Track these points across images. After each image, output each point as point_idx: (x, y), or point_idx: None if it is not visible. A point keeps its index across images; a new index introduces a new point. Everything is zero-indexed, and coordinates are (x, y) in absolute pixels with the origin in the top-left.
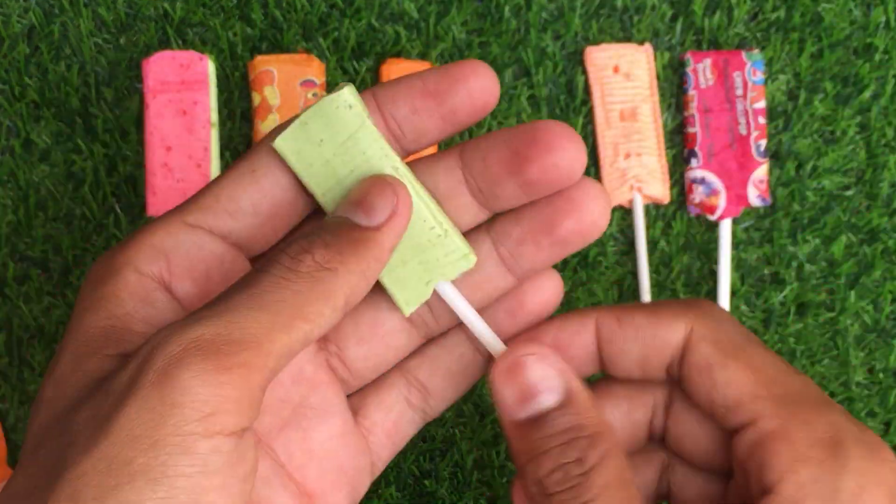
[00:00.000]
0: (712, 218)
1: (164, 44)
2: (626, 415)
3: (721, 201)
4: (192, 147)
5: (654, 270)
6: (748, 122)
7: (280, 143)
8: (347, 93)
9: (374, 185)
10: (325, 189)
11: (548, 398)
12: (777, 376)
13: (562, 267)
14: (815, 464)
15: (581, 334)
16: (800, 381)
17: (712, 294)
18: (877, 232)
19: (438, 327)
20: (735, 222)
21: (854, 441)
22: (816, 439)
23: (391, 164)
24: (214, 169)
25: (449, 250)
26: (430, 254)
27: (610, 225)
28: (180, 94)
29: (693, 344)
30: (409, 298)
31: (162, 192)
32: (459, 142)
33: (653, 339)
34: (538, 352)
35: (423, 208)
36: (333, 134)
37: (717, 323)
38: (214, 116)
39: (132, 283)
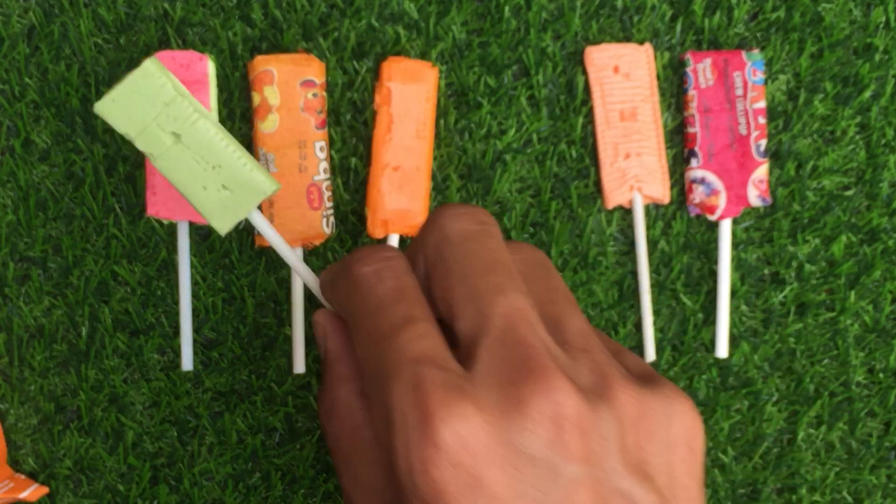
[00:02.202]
0: (712, 218)
1: (165, 44)
2: None
3: (721, 201)
4: None
5: (654, 270)
6: (748, 122)
7: (97, 107)
8: (150, 66)
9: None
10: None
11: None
12: (371, 350)
13: (562, 267)
14: (382, 452)
15: None
16: (382, 350)
17: (712, 294)
18: (877, 232)
19: None
20: (735, 222)
21: (401, 423)
22: (380, 424)
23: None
24: None
25: (250, 178)
26: (233, 180)
27: (610, 225)
28: None
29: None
30: (221, 223)
31: (162, 191)
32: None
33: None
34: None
35: (225, 139)
36: (149, 102)
37: (346, 293)
38: (214, 117)
39: None
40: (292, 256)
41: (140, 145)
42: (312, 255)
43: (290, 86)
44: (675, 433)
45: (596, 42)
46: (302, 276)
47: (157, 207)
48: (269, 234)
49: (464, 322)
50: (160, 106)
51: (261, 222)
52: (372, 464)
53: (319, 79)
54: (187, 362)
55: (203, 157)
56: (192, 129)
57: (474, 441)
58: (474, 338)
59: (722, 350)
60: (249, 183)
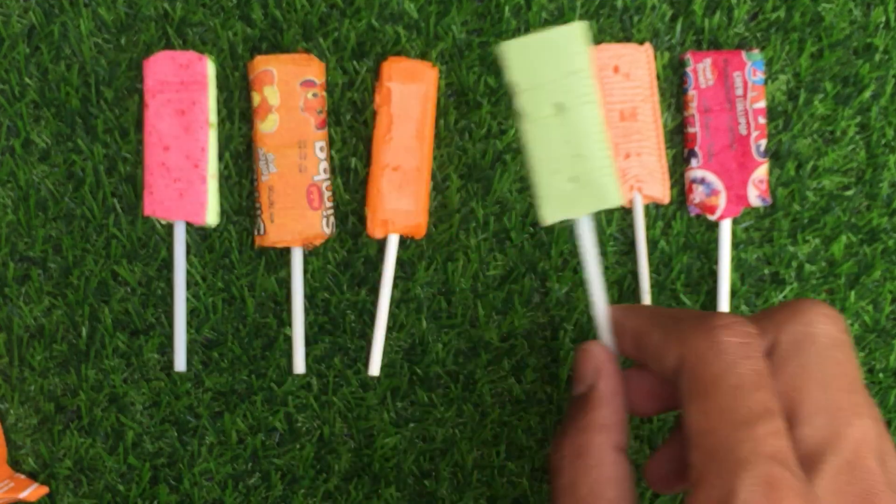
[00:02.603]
0: (712, 218)
1: (165, 44)
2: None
3: (721, 201)
4: (190, 147)
5: (654, 270)
6: (748, 122)
7: (505, 46)
8: (579, 29)
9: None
10: (530, 102)
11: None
12: (721, 427)
13: (561, 267)
14: None
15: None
16: (737, 435)
17: (712, 294)
18: (877, 232)
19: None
20: (735, 222)
21: None
22: (708, 499)
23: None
24: (212, 169)
25: (602, 182)
26: (585, 175)
27: (610, 225)
28: (179, 95)
29: (680, 374)
30: (550, 211)
31: (159, 191)
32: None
33: (658, 361)
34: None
35: (602, 134)
36: (557, 62)
37: (703, 353)
38: (213, 117)
39: None
40: (598, 279)
41: (521, 101)
42: (313, 255)
43: (290, 86)
44: None
45: (596, 42)
46: (597, 303)
47: (154, 207)
48: (589, 247)
49: (811, 430)
50: (563, 73)
51: (587, 230)
52: None
53: (319, 79)
54: (180, 363)
55: (571, 142)
56: (580, 109)
57: None
58: (821, 451)
59: None
60: (599, 187)
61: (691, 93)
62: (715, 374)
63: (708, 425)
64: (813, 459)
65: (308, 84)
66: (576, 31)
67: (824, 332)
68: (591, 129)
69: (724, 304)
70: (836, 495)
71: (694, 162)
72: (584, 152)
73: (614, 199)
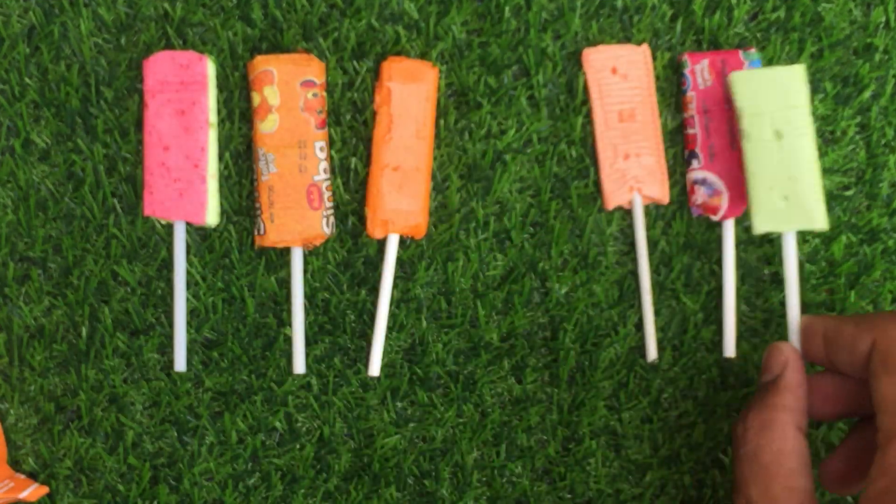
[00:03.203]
0: (715, 218)
1: (165, 44)
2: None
3: (724, 202)
4: (190, 147)
5: (655, 270)
6: None
7: (736, 75)
8: (801, 71)
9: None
10: (750, 125)
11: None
12: None
13: (561, 267)
14: (889, 479)
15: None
16: None
17: (712, 294)
18: (877, 232)
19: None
20: (736, 222)
21: None
22: None
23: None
24: (212, 169)
25: (811, 205)
26: (796, 196)
27: (610, 225)
28: (179, 95)
29: (872, 356)
30: (761, 222)
31: (159, 191)
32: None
33: (849, 349)
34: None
35: (815, 162)
36: (779, 96)
37: (892, 336)
38: (213, 117)
39: None
40: (795, 290)
41: (744, 122)
42: (313, 255)
43: (290, 86)
44: None
45: (596, 42)
46: (791, 310)
47: (154, 207)
48: (792, 259)
49: None
50: (786, 105)
51: (791, 244)
52: (790, 489)
53: (319, 79)
54: (180, 363)
55: (787, 165)
56: (797, 139)
57: None
58: None
59: (730, 350)
60: (808, 209)
61: (690, 94)
62: None
63: None
64: None
65: (308, 84)
66: (800, 73)
67: None
68: (806, 158)
69: (729, 304)
70: None
71: (695, 163)
72: (798, 176)
73: (821, 222)
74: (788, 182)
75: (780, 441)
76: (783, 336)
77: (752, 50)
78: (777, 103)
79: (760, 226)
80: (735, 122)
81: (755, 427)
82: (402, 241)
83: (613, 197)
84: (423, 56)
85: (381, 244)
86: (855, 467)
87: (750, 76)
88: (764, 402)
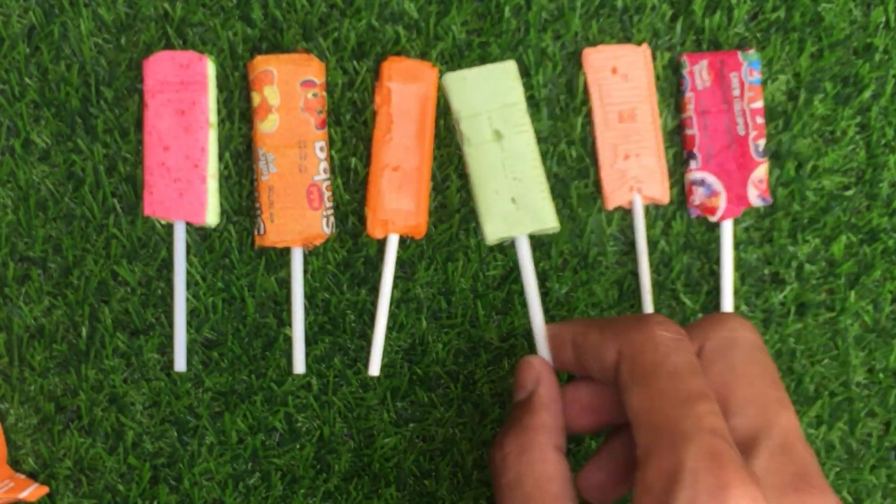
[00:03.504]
0: (713, 219)
1: (165, 44)
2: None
3: (721, 202)
4: (190, 147)
5: (654, 270)
6: (746, 123)
7: (449, 77)
8: (512, 67)
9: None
10: (468, 129)
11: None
12: (663, 406)
13: (562, 267)
14: (652, 498)
15: (566, 346)
16: (679, 413)
17: (712, 294)
18: (877, 232)
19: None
20: (735, 222)
21: (691, 481)
22: (660, 474)
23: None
24: (212, 169)
25: (539, 205)
26: (524, 198)
27: (610, 225)
28: (179, 95)
29: (619, 366)
30: (493, 230)
31: (159, 191)
32: None
33: (597, 358)
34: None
35: (537, 161)
36: (494, 95)
37: (640, 345)
38: (213, 117)
39: None
40: (535, 297)
41: (463, 126)
42: (312, 255)
43: (290, 86)
44: None
45: (596, 42)
46: (535, 320)
47: (154, 207)
48: (528, 265)
49: (743, 420)
50: (501, 103)
51: (525, 248)
52: None
53: (319, 79)
54: (180, 363)
55: (510, 166)
56: (517, 137)
57: None
58: (754, 437)
59: None
60: (537, 209)
61: (688, 95)
62: (652, 363)
63: (650, 405)
64: (747, 445)
65: (308, 84)
66: (511, 68)
67: (745, 337)
68: (527, 156)
69: (727, 304)
70: (773, 474)
71: (693, 164)
72: (522, 176)
73: (551, 222)
74: (514, 183)
75: (541, 465)
76: (783, 336)
77: (752, 50)
78: (493, 102)
79: (493, 234)
80: (454, 127)
81: (514, 452)
82: (402, 241)
83: (613, 197)
84: (423, 56)
85: (381, 244)
86: (614, 475)
87: (463, 76)
88: (521, 424)
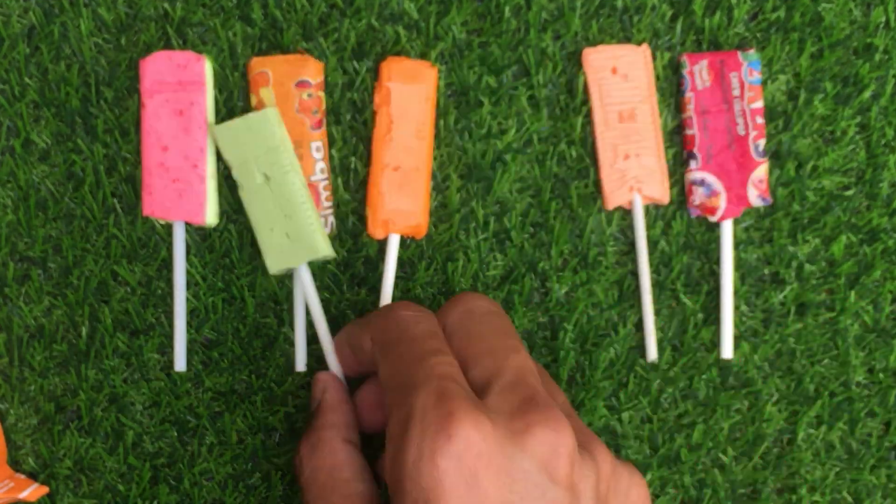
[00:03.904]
0: (713, 219)
1: (164, 44)
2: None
3: (721, 202)
4: (189, 148)
5: (654, 270)
6: (746, 123)
7: (217, 129)
8: (272, 114)
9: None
10: (244, 181)
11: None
12: (402, 367)
13: (562, 267)
14: (392, 445)
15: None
16: (415, 369)
17: (712, 294)
18: (877, 232)
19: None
20: (735, 222)
21: (420, 418)
22: (398, 421)
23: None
24: (211, 170)
25: (310, 237)
26: (296, 232)
27: (610, 225)
28: (177, 95)
29: (373, 350)
30: (273, 263)
31: (157, 191)
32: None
33: (361, 350)
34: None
35: (304, 197)
36: (258, 141)
37: (384, 326)
38: (211, 117)
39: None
40: (321, 318)
41: (235, 174)
42: None
43: (285, 87)
44: (632, 498)
45: (596, 42)
46: (322, 339)
47: (153, 208)
48: (311, 290)
49: (478, 371)
50: (265, 148)
51: (305, 276)
52: (347, 497)
53: (315, 79)
54: (180, 363)
55: (281, 205)
56: (283, 178)
57: (481, 444)
58: (488, 381)
59: (727, 351)
60: (309, 241)
61: (688, 95)
62: (394, 337)
63: (392, 370)
64: (483, 388)
65: (303, 85)
66: (269, 115)
67: (479, 305)
68: (294, 194)
69: (727, 304)
70: (504, 404)
71: (693, 164)
72: (293, 213)
73: (323, 251)
74: (286, 220)
75: (331, 457)
76: (783, 336)
77: (751, 51)
78: (258, 148)
79: (273, 266)
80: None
81: (307, 453)
82: (402, 241)
83: (613, 197)
84: (423, 56)
85: (382, 244)
86: (381, 405)
87: (229, 128)
88: (311, 428)
